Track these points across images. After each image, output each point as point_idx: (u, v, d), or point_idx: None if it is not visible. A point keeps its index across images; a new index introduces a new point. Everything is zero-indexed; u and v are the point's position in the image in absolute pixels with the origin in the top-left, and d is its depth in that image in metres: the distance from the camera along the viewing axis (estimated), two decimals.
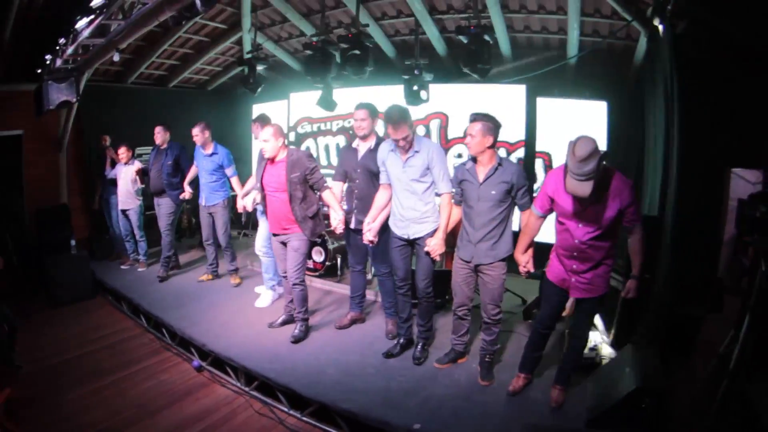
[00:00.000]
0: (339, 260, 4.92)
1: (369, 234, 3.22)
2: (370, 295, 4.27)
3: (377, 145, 3.33)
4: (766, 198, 2.69)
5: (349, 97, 5.01)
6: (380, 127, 3.51)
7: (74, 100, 4.19)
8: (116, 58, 4.01)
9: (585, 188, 2.21)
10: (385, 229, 3.30)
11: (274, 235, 3.57)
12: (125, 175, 5.12)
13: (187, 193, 4.82)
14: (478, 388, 3.06)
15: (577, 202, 2.42)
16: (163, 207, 4.97)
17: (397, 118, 2.93)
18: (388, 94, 4.52)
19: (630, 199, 2.40)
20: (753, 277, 2.54)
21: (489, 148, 2.76)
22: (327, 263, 4.88)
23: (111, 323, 4.44)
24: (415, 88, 4.58)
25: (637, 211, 2.49)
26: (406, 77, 4.59)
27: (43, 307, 4.67)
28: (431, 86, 4.67)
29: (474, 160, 2.85)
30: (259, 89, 5.29)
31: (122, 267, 5.45)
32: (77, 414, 3.04)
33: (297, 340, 3.61)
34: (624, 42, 4.31)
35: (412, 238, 3.14)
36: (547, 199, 2.60)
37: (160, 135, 4.93)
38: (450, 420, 2.75)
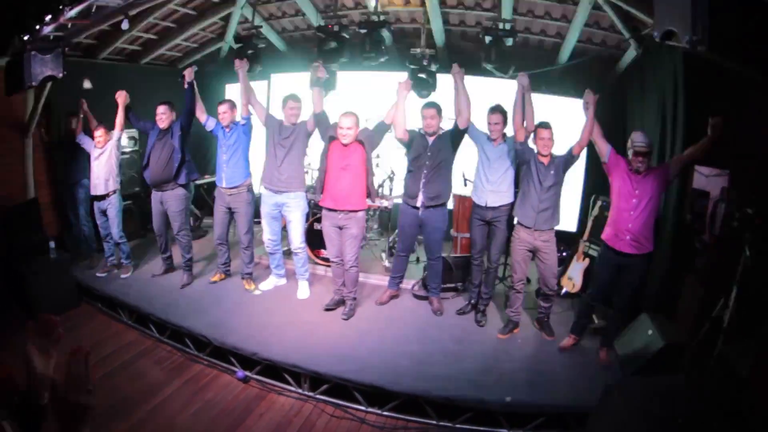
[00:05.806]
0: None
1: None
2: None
3: (444, 131, 3.66)
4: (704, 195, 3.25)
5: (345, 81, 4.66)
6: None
7: (60, 75, 3.13)
8: (125, 26, 3.06)
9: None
10: (436, 229, 3.71)
11: (331, 210, 3.57)
12: (108, 156, 3.96)
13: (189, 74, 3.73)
14: (535, 360, 3.28)
15: (634, 179, 3.02)
16: (173, 202, 3.93)
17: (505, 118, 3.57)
18: (388, 81, 4.18)
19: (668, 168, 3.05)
20: (711, 256, 3.11)
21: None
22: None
23: (111, 337, 3.56)
24: (422, 76, 4.43)
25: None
26: (412, 66, 4.39)
27: (21, 324, 3.55)
28: None
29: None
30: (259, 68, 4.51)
31: (98, 275, 4.14)
32: None
33: (348, 316, 3.73)
34: (611, 51, 4.59)
35: (488, 205, 3.57)
36: (614, 155, 3.12)
37: (166, 116, 3.79)
38: (527, 389, 2.91)
